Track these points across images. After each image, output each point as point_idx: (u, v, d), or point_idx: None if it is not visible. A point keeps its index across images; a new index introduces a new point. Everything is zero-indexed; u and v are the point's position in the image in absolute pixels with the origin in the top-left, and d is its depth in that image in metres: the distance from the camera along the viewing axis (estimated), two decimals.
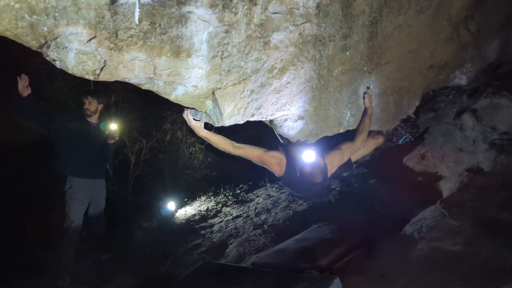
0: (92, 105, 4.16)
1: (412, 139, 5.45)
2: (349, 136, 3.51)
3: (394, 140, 5.78)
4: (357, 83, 3.23)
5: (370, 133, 3.35)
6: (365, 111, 3.30)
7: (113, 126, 4.09)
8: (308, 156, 2.83)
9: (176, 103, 2.57)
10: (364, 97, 3.28)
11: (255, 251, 4.00)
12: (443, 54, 3.75)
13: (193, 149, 6.43)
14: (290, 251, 3.50)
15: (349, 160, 3.30)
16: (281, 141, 3.52)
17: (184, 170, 6.47)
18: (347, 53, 3.04)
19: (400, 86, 3.54)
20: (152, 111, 6.29)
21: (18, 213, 5.49)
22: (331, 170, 3.07)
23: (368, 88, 3.32)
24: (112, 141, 4.18)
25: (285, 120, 2.92)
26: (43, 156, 4.26)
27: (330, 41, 2.89)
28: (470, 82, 4.54)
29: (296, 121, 2.93)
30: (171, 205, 5.66)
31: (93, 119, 4.22)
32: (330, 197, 4.70)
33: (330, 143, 3.35)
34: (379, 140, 3.47)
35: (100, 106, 4.25)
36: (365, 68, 3.23)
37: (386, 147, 5.74)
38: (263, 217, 4.81)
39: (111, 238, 4.83)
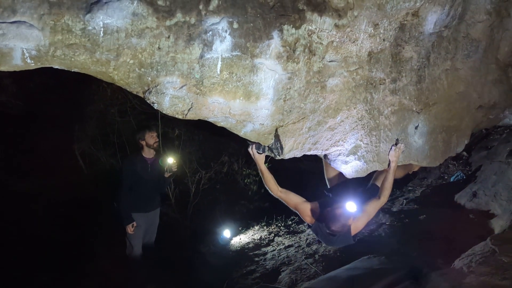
0: (156, 139, 4.24)
1: (464, 177, 5.50)
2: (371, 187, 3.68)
3: (446, 177, 5.85)
4: (406, 122, 3.45)
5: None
6: (388, 166, 3.35)
7: (170, 160, 4.19)
8: (349, 208, 3.00)
9: (234, 138, 2.91)
10: (391, 149, 3.33)
11: (307, 279, 4.22)
12: (492, 95, 3.91)
13: (248, 180, 6.84)
14: (340, 279, 3.70)
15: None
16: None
17: (239, 200, 6.86)
18: (397, 95, 3.30)
19: (449, 125, 3.72)
20: (210, 144, 6.80)
21: (85, 233, 5.98)
22: (354, 231, 3.20)
23: (399, 142, 3.37)
24: (169, 174, 4.30)
25: (338, 154, 3.21)
26: (112, 184, 4.68)
27: (380, 84, 3.19)
28: None
29: (348, 155, 3.20)
30: (226, 233, 5.97)
31: (151, 154, 4.26)
32: (380, 231, 4.86)
33: (356, 193, 3.52)
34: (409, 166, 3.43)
35: None
36: (414, 108, 3.45)
37: (437, 184, 5.83)
38: (314, 247, 5.02)
39: (172, 260, 5.22)
